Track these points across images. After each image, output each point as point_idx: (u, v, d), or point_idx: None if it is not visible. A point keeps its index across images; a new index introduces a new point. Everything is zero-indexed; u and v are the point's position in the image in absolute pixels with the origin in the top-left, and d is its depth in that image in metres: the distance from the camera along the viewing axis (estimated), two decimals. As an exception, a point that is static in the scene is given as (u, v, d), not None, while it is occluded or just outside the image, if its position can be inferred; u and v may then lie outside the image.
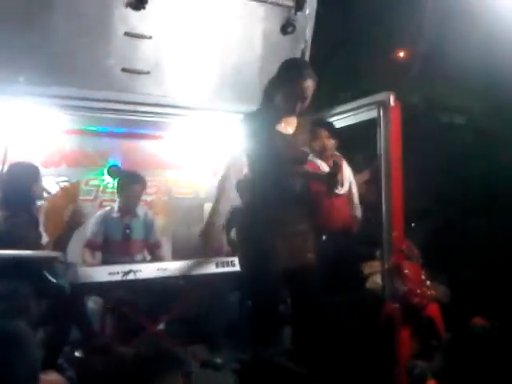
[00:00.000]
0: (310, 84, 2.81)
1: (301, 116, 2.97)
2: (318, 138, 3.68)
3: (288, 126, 2.93)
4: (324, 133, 3.71)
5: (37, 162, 3.93)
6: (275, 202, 2.80)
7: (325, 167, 3.64)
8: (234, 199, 4.27)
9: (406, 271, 3.00)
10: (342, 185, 3.68)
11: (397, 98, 3.36)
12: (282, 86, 2.82)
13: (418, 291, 2.94)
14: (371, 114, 3.55)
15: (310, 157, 3.61)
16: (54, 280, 2.95)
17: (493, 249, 4.43)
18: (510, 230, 4.49)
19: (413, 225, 4.23)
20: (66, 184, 3.60)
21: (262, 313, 2.79)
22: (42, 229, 3.16)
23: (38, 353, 1.51)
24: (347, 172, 3.80)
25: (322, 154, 3.70)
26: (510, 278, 3.93)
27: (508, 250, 4.33)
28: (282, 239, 2.79)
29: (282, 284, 2.85)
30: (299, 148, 2.96)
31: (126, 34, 3.52)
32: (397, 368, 2.96)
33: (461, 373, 1.82)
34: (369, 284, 3.83)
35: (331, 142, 3.73)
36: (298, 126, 2.97)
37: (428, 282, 3.02)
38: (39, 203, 3.28)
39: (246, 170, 4.72)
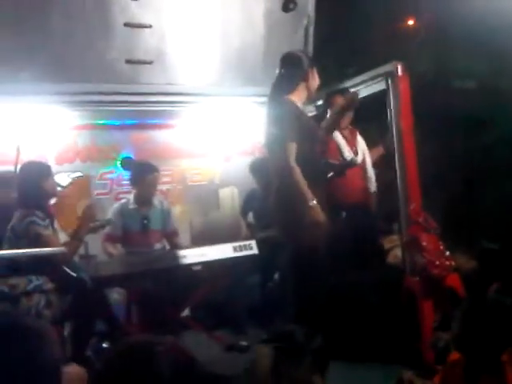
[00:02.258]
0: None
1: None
2: (335, 106, 3.66)
3: None
4: (342, 101, 3.67)
5: (50, 160, 3.98)
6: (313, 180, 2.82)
7: (338, 136, 3.68)
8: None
9: (424, 243, 2.97)
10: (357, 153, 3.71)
11: (405, 68, 3.30)
12: (297, 81, 2.89)
13: (437, 262, 2.90)
14: (380, 85, 3.50)
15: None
16: (74, 274, 2.99)
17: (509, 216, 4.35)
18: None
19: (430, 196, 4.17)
20: (76, 179, 3.60)
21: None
22: (57, 225, 3.19)
23: (58, 347, 1.53)
24: (361, 144, 3.81)
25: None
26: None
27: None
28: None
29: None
30: (317, 128, 3.05)
31: (126, 24, 3.50)
32: (422, 342, 2.94)
33: (476, 340, 1.79)
34: (390, 258, 3.82)
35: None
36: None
37: (447, 253, 2.98)
38: (53, 200, 3.31)
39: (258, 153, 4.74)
